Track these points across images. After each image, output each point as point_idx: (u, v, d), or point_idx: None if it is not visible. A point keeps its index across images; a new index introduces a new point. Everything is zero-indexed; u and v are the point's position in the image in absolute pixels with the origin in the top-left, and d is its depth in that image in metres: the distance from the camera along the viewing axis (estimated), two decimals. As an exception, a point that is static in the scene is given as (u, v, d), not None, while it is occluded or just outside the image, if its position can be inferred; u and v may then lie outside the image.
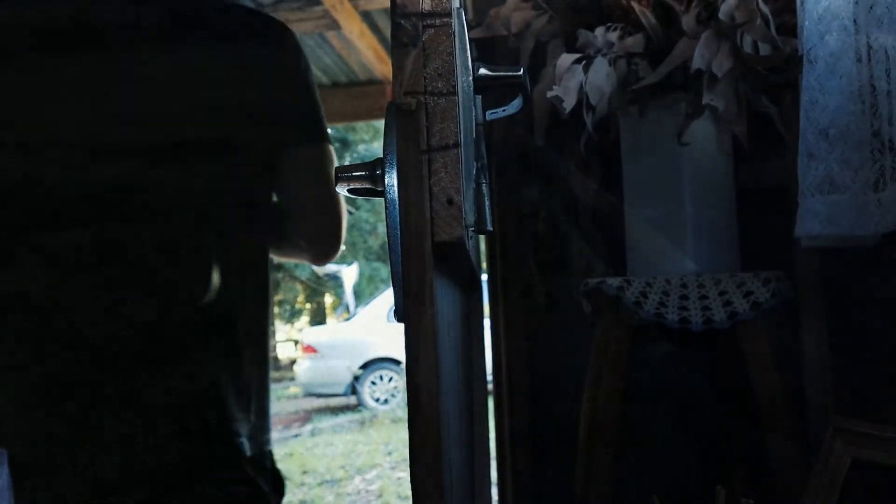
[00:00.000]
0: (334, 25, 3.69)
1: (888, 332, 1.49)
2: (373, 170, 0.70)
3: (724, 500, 1.09)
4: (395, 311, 0.67)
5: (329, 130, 1.40)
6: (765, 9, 1.15)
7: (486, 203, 0.86)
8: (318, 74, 4.52)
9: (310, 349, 8.91)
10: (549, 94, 1.23)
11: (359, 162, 0.73)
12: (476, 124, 0.91)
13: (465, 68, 0.79)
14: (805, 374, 1.60)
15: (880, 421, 1.18)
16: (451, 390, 0.83)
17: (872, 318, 1.54)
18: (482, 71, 0.90)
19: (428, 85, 0.64)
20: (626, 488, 1.59)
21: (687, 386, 1.72)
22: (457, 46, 0.68)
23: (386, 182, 0.66)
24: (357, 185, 0.71)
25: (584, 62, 1.27)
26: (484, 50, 1.81)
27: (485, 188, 0.86)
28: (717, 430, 1.68)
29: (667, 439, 1.72)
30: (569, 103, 1.22)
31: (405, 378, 0.64)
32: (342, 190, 0.72)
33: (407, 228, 0.63)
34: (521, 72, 0.92)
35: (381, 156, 0.67)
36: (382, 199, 0.68)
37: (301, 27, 3.72)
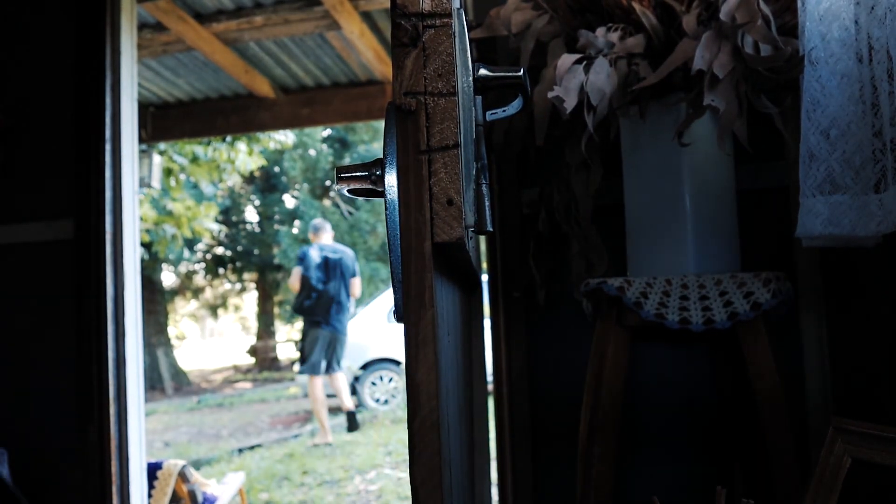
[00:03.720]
0: (334, 26, 3.69)
1: (887, 333, 1.49)
2: (373, 170, 0.70)
3: (724, 500, 1.09)
4: (395, 311, 0.67)
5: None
6: (766, 9, 1.15)
7: (486, 203, 0.86)
8: (318, 74, 4.51)
9: (310, 349, 8.92)
10: (550, 94, 1.23)
11: (359, 162, 0.73)
12: (476, 125, 0.91)
13: (466, 69, 0.79)
14: (805, 374, 1.60)
15: (880, 421, 1.18)
16: (451, 390, 0.83)
17: (872, 318, 1.54)
18: (482, 71, 0.90)
19: (428, 85, 0.64)
20: (626, 488, 1.59)
21: (687, 386, 1.71)
22: (457, 47, 0.68)
23: (386, 182, 0.66)
24: (357, 186, 0.71)
25: (584, 62, 1.27)
26: (484, 50, 1.81)
27: (485, 188, 0.86)
28: (716, 430, 1.68)
29: (667, 439, 1.72)
30: (570, 104, 1.22)
31: (405, 378, 0.63)
32: (342, 190, 0.72)
33: (407, 228, 0.63)
34: (522, 72, 0.92)
35: (381, 156, 0.67)
36: (382, 199, 0.68)
37: (301, 27, 3.72)
